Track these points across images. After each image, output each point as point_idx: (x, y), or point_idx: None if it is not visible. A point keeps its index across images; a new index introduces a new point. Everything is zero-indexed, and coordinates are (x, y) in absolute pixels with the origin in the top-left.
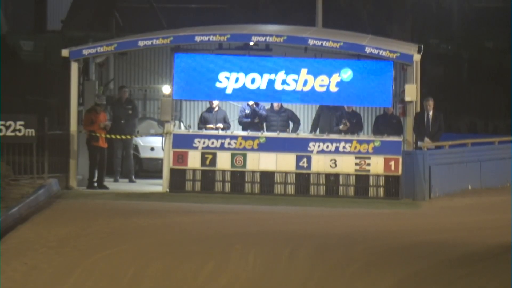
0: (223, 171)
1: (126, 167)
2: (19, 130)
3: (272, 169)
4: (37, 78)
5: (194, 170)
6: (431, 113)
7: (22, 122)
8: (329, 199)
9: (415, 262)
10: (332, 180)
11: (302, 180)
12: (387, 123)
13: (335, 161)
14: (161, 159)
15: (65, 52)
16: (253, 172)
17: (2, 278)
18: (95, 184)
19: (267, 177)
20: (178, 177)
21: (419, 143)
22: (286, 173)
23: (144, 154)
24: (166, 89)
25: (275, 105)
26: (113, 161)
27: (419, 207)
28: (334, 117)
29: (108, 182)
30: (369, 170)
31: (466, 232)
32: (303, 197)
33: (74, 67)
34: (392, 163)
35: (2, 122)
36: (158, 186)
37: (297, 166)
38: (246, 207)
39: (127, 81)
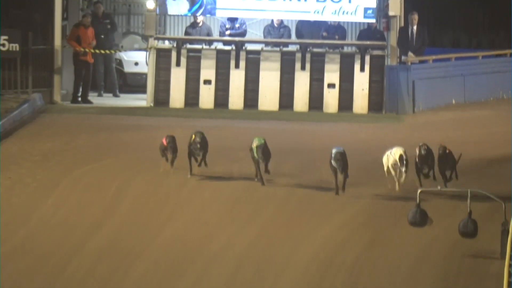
0: (208, 86)
1: (109, 82)
2: (3, 45)
3: (257, 84)
4: None
5: (178, 85)
6: (415, 27)
7: (6, 37)
8: (313, 113)
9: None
10: (317, 94)
11: (286, 95)
12: (370, 38)
13: (320, 75)
14: (145, 74)
15: None
16: (237, 87)
17: None
18: (79, 99)
19: (251, 92)
20: (162, 92)
21: (403, 58)
22: (270, 88)
23: (128, 69)
24: (150, 3)
25: (275, 20)
26: (95, 76)
27: (403, 121)
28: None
29: (92, 97)
30: (353, 84)
31: (448, 146)
32: (287, 112)
33: None
34: (376, 77)
35: None
36: (142, 101)
37: (282, 81)
38: (229, 122)
39: None
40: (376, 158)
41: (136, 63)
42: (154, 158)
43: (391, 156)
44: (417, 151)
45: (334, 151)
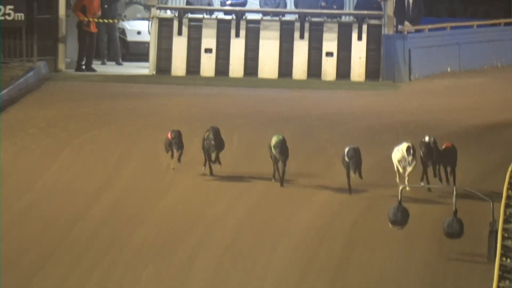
0: (209, 55)
1: (112, 50)
2: (9, 14)
3: (256, 52)
4: None
5: (180, 54)
6: None
7: (11, 7)
8: (312, 81)
9: (396, 142)
10: (315, 63)
11: (285, 63)
12: (368, 7)
13: (318, 44)
14: (148, 43)
15: None
16: (238, 55)
17: None
18: (83, 67)
19: (251, 60)
20: (164, 61)
21: (399, 27)
22: (270, 56)
23: (131, 37)
24: None
25: None
26: (99, 45)
27: (399, 88)
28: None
29: (96, 65)
30: (350, 53)
31: (445, 113)
32: (286, 80)
33: None
34: (373, 46)
35: None
36: (144, 69)
37: (281, 49)
38: (230, 90)
39: None
40: (373, 124)
41: (139, 32)
42: (156, 126)
43: (399, 152)
44: (422, 146)
45: (347, 149)
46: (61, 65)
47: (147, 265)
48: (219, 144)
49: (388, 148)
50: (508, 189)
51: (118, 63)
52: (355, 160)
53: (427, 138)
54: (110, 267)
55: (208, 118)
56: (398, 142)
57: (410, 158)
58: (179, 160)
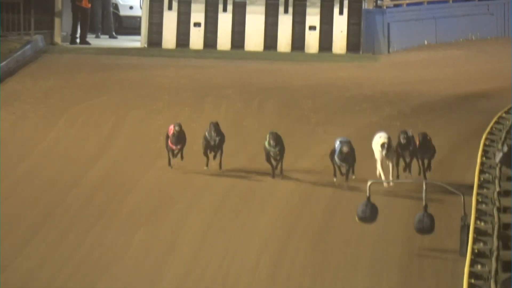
0: (197, 29)
1: (106, 24)
2: None
3: (243, 26)
4: None
5: (170, 27)
6: None
7: None
8: (296, 54)
9: (375, 111)
10: (299, 36)
11: (270, 36)
12: None
13: (301, 18)
14: (139, 17)
15: None
16: (225, 29)
17: None
18: (78, 40)
19: (238, 34)
20: (155, 34)
21: (379, 2)
22: (255, 30)
23: (124, 12)
24: None
25: None
26: (93, 19)
27: (379, 60)
28: None
29: (90, 38)
30: (332, 27)
31: (422, 83)
32: (271, 53)
33: None
34: (354, 20)
35: None
36: (136, 42)
37: (266, 23)
38: (218, 62)
39: None
40: (354, 94)
41: (131, 7)
42: (147, 95)
43: (377, 144)
44: (398, 138)
45: (338, 142)
46: (57, 39)
47: (139, 228)
48: (221, 144)
49: (369, 115)
50: (482, 155)
51: (112, 37)
52: (350, 159)
53: (404, 131)
54: (103, 230)
55: (197, 88)
56: (377, 111)
57: (385, 152)
58: (181, 157)
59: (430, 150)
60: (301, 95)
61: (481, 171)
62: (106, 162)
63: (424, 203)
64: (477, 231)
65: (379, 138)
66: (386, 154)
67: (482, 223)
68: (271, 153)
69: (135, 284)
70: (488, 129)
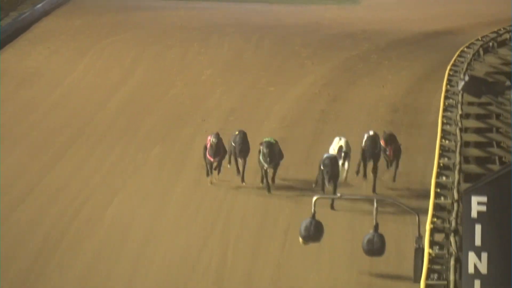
0: None
1: None
2: None
3: None
4: None
5: None
6: None
7: None
8: None
9: (356, 46)
10: None
11: None
12: None
13: None
14: None
15: None
16: None
17: (27, 63)
18: None
19: None
20: None
21: None
22: None
23: None
24: None
25: None
26: None
27: (360, 3)
28: None
29: None
30: None
31: (397, 23)
32: None
33: None
34: None
35: None
36: None
37: None
38: (222, 4)
39: None
40: (338, 32)
41: None
42: (162, 33)
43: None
44: (364, 140)
45: (325, 159)
46: None
47: (155, 144)
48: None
49: (350, 50)
50: (446, 84)
51: None
52: (330, 171)
53: (371, 132)
54: (125, 147)
55: (204, 27)
56: (357, 46)
57: (341, 162)
58: (218, 170)
59: (396, 151)
60: (293, 32)
61: (446, 97)
62: (127, 90)
63: (374, 222)
64: (442, 148)
65: (338, 141)
66: (342, 157)
67: (447, 141)
68: (265, 167)
69: (152, 193)
70: (452, 61)
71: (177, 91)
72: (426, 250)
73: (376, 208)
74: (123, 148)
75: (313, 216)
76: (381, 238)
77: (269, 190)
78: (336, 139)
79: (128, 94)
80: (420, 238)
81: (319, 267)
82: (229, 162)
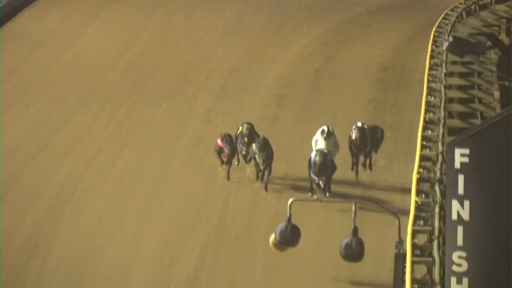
0: None
1: None
2: None
3: None
4: None
5: None
6: None
7: None
8: None
9: (348, 9)
10: None
11: None
12: None
13: None
14: None
15: None
16: None
17: (43, 24)
18: None
19: None
20: None
21: None
22: None
23: None
24: None
25: None
26: None
27: None
28: None
29: None
30: None
31: None
32: None
33: None
34: None
35: None
36: None
37: None
38: None
39: None
40: None
41: None
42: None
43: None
44: (352, 133)
45: (314, 155)
46: None
47: (162, 102)
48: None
49: (343, 13)
50: (432, 44)
51: None
52: (322, 169)
53: (359, 124)
54: (134, 103)
55: None
56: (350, 9)
57: (324, 137)
58: (229, 166)
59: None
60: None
61: (431, 57)
62: (135, 51)
63: (353, 225)
64: (428, 104)
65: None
66: (325, 139)
67: (432, 98)
68: (257, 159)
69: (159, 146)
70: (437, 23)
71: (182, 51)
72: (410, 227)
73: (355, 211)
74: (132, 104)
75: (289, 219)
76: (360, 242)
77: (266, 189)
78: (318, 133)
79: (136, 54)
80: (400, 242)
81: (295, 273)
82: (238, 162)
